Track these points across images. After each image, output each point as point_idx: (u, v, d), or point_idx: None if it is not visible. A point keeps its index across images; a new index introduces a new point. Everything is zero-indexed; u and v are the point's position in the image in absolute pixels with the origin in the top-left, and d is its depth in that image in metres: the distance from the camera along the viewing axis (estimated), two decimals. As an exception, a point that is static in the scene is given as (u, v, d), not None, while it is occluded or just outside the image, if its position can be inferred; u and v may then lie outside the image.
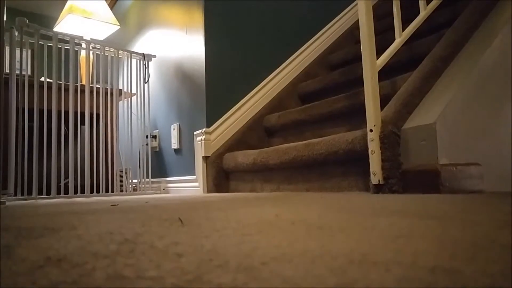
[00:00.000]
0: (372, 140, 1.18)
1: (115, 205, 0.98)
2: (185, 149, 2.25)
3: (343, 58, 2.42)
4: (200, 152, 2.06)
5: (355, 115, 1.70)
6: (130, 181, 2.32)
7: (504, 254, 0.29)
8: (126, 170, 2.34)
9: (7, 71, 1.85)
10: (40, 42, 1.98)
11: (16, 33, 1.89)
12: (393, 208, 0.67)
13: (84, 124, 2.10)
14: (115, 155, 2.19)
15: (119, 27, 2.79)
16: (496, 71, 1.32)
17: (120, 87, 2.36)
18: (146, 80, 2.36)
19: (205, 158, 2.04)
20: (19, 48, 1.91)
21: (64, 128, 2.02)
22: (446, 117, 1.14)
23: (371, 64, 1.21)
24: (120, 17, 3.12)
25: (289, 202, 0.92)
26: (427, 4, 1.44)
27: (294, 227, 0.46)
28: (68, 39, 2.09)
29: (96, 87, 2.16)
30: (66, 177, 2.01)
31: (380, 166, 1.16)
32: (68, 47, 2.08)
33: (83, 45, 2.20)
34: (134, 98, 2.38)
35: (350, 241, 0.35)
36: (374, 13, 1.26)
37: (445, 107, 1.15)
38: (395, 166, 1.15)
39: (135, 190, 2.36)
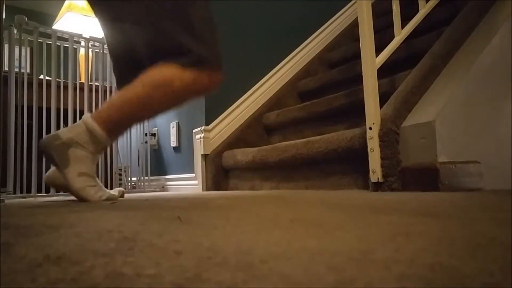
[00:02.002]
0: (371, 138, 1.18)
1: (114, 203, 0.98)
2: (184, 147, 2.25)
3: (343, 56, 2.42)
4: (199, 150, 2.06)
5: (354, 113, 1.70)
6: (129, 179, 2.32)
7: (503, 252, 0.29)
8: (125, 168, 2.33)
9: (6, 69, 1.84)
10: (39, 40, 1.98)
11: (15, 31, 1.89)
12: (392, 206, 0.67)
13: (83, 122, 2.09)
14: (114, 153, 2.19)
15: (118, 24, 2.78)
16: (495, 68, 1.32)
17: (119, 85, 2.35)
18: (145, 78, 2.35)
19: (204, 156, 2.04)
20: (18, 46, 1.91)
21: (63, 126, 2.02)
22: (445, 115, 1.14)
23: (371, 62, 1.21)
24: (119, 15, 3.12)
25: (288, 200, 0.92)
26: (426, 2, 1.43)
27: (293, 225, 0.46)
28: (67, 37, 2.08)
29: (95, 85, 2.16)
30: (65, 175, 2.00)
31: (379, 164, 1.16)
32: (67, 45, 2.08)
33: (82, 43, 2.19)
34: (133, 96, 2.38)
35: (349, 239, 0.35)
36: (373, 10, 1.26)
37: (444, 105, 1.15)
38: (394, 164, 1.15)
39: (134, 188, 2.36)
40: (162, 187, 2.43)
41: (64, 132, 1.06)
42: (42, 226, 0.50)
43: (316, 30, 2.60)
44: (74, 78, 2.13)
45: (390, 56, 1.32)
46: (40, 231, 0.46)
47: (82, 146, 1.05)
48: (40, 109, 1.93)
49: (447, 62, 1.34)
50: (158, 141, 2.54)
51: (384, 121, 1.18)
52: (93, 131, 1.05)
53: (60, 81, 2.01)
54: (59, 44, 2.05)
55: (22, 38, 1.91)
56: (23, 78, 1.93)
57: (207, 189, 2.02)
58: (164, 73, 1.05)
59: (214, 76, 1.10)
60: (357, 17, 1.26)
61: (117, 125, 1.09)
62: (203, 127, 2.05)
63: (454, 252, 0.29)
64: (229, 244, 0.34)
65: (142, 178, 2.30)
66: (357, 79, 1.32)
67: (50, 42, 2.00)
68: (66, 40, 2.09)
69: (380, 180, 1.16)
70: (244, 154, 1.85)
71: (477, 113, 1.25)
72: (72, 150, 1.04)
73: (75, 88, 2.07)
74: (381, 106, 1.22)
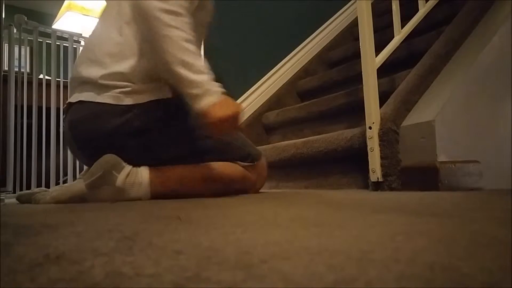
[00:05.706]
0: (371, 138, 1.18)
1: (113, 202, 0.98)
2: (184, 147, 2.25)
3: (342, 55, 2.42)
4: (199, 149, 2.06)
5: (354, 112, 1.70)
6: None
7: (503, 251, 0.29)
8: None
9: (6, 68, 1.84)
10: (39, 40, 1.98)
11: (15, 30, 1.88)
12: (392, 206, 0.67)
13: (83, 122, 2.09)
14: (114, 153, 2.19)
15: (117, 24, 2.78)
16: (495, 68, 1.32)
17: (119, 84, 2.34)
18: (145, 77, 2.35)
19: (204, 156, 2.04)
20: (17, 46, 1.91)
21: (63, 126, 2.01)
22: (445, 114, 1.14)
23: (370, 61, 1.21)
24: (119, 14, 3.11)
25: (288, 200, 0.92)
26: (426, 1, 1.43)
27: (293, 224, 0.46)
28: (67, 36, 2.08)
29: (95, 85, 2.15)
30: (65, 174, 2.01)
31: (379, 163, 1.16)
32: (67, 44, 2.07)
33: (82, 42, 2.19)
34: (133, 95, 2.38)
35: (349, 238, 0.35)
36: (373, 10, 1.26)
37: (444, 104, 1.15)
38: (394, 163, 1.15)
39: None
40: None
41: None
42: (42, 225, 0.50)
43: (316, 30, 2.60)
44: (74, 77, 2.13)
45: (390, 55, 1.32)
46: (39, 230, 0.46)
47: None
48: (40, 109, 1.93)
49: (447, 61, 1.34)
50: (158, 141, 2.54)
51: (383, 120, 1.18)
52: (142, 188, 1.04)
53: (60, 81, 2.01)
54: (59, 43, 2.05)
55: (21, 37, 1.91)
56: (23, 77, 1.93)
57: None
58: (238, 170, 1.18)
59: (263, 167, 1.29)
60: (356, 17, 1.26)
61: (163, 190, 1.07)
62: (203, 126, 2.05)
63: (453, 251, 0.29)
64: (229, 244, 0.34)
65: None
66: (357, 79, 1.32)
67: (50, 42, 2.00)
68: (65, 39, 2.09)
69: (379, 180, 1.16)
70: (244, 154, 1.84)
71: (477, 112, 1.25)
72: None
73: (74, 88, 2.07)
74: (380, 106, 1.22)
